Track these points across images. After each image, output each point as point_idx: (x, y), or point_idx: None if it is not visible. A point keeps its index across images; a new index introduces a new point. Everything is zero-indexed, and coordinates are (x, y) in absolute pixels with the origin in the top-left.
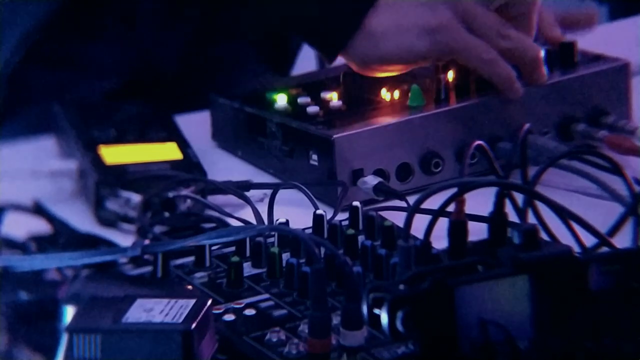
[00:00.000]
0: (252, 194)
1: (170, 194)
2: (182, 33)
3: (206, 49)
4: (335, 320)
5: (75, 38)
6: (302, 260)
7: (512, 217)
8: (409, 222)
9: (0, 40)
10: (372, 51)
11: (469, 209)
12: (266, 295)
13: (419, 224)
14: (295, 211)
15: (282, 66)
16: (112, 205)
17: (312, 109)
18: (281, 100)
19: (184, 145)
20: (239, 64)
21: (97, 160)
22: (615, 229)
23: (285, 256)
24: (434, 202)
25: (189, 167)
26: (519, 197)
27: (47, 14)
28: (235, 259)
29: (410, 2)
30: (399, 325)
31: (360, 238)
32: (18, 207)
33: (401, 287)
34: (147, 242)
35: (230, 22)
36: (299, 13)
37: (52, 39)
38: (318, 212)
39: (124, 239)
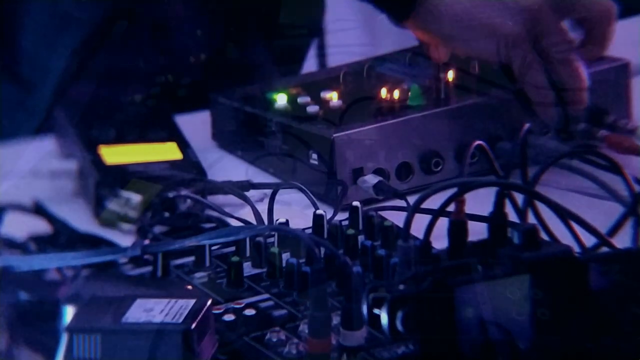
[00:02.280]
0: (252, 194)
1: (170, 194)
2: (210, 38)
3: (229, 56)
4: (335, 320)
5: (111, 51)
6: (302, 260)
7: (512, 217)
8: (409, 222)
9: (53, 58)
10: (432, 27)
11: (469, 209)
12: (266, 295)
13: (419, 224)
14: (295, 211)
15: (292, 66)
16: (112, 205)
17: (312, 109)
18: (281, 100)
19: (184, 145)
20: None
21: (97, 160)
22: (615, 229)
23: (285, 256)
24: (434, 202)
25: (189, 167)
26: (519, 197)
27: (91, 30)
28: (235, 259)
29: None
30: (399, 325)
31: (360, 238)
32: (18, 207)
33: (401, 287)
34: (147, 242)
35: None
36: None
37: (93, 53)
38: (318, 212)
39: (124, 239)
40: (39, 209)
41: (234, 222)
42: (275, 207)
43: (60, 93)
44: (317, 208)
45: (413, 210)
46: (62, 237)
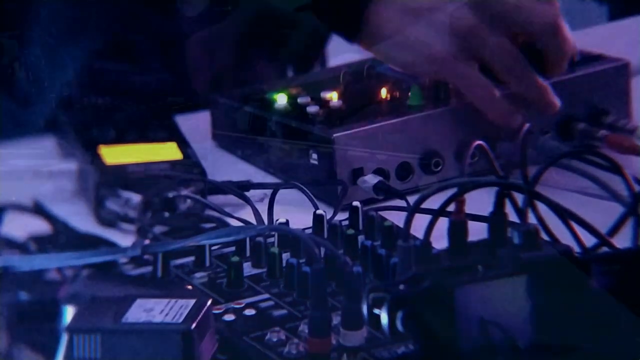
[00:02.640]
0: (252, 194)
1: (170, 194)
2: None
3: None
4: (335, 320)
5: (121, 65)
6: (302, 260)
7: (512, 217)
8: (409, 222)
9: (63, 71)
10: (375, 49)
11: (469, 209)
12: (266, 295)
13: (419, 224)
14: (295, 211)
15: (307, 64)
16: (112, 205)
17: (312, 109)
18: (281, 100)
19: (184, 145)
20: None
21: (97, 160)
22: (615, 229)
23: (285, 256)
24: (434, 202)
25: (189, 167)
26: (519, 197)
27: (102, 44)
28: (235, 259)
29: (416, 10)
30: (399, 325)
31: (360, 238)
32: (18, 207)
33: (401, 287)
34: (147, 242)
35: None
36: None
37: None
38: (318, 212)
39: (124, 239)
40: (39, 209)
41: (234, 222)
42: (275, 207)
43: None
44: (317, 208)
45: (413, 210)
46: (62, 237)
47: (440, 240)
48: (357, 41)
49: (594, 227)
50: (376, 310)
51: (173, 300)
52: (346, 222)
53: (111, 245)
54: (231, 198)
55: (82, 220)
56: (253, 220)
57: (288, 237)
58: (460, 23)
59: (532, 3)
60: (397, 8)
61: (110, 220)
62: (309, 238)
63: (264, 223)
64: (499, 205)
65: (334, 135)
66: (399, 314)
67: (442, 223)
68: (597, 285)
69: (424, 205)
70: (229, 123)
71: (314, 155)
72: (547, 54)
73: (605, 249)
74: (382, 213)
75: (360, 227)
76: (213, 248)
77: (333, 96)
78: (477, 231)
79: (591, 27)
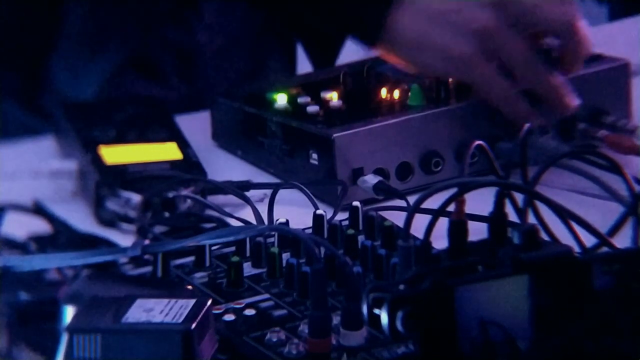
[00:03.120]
0: (252, 194)
1: (170, 194)
2: (237, 66)
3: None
4: (335, 320)
5: (139, 79)
6: (302, 260)
7: (512, 217)
8: (409, 222)
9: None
10: (396, 53)
11: (469, 209)
12: (266, 295)
13: (419, 224)
14: (295, 211)
15: (325, 60)
16: (112, 205)
17: (312, 109)
18: (281, 100)
19: (184, 145)
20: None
21: (97, 160)
22: (615, 229)
23: (285, 256)
24: (434, 202)
25: (189, 167)
26: (519, 197)
27: (122, 59)
28: (235, 259)
29: (437, 13)
30: (399, 325)
31: (360, 238)
32: (18, 207)
33: (401, 287)
34: (147, 242)
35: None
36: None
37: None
38: (318, 212)
39: (124, 239)
40: (39, 209)
41: (234, 222)
42: (275, 207)
43: None
44: (317, 208)
45: (413, 210)
46: (62, 237)
47: (440, 240)
48: (376, 46)
49: (594, 227)
50: (376, 310)
51: (173, 300)
52: (346, 222)
53: (111, 245)
54: (231, 198)
55: (82, 220)
56: (253, 220)
57: (288, 237)
58: (479, 24)
59: (550, 3)
60: (417, 12)
61: (110, 220)
62: (309, 238)
63: (264, 223)
64: (499, 205)
65: (334, 135)
66: (399, 314)
67: (442, 223)
68: (597, 286)
69: (424, 205)
70: (229, 123)
71: (314, 155)
72: (565, 53)
73: (605, 249)
74: (382, 213)
75: (360, 227)
76: (213, 248)
77: (333, 96)
78: (477, 231)
79: (591, 27)
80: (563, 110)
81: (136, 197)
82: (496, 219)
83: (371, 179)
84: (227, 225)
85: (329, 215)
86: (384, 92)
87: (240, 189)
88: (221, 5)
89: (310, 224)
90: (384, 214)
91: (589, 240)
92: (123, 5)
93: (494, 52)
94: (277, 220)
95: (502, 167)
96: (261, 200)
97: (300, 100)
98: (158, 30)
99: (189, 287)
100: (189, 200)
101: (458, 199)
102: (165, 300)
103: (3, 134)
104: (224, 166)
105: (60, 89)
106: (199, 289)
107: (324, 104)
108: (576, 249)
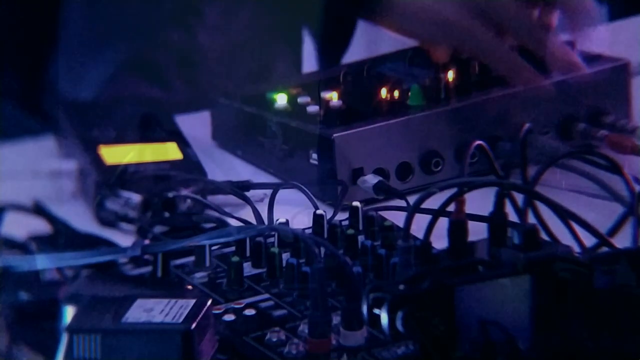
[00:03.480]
0: (252, 194)
1: (170, 194)
2: (240, 68)
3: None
4: (335, 320)
5: (139, 79)
6: (302, 260)
7: (512, 217)
8: (409, 222)
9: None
10: (393, 22)
11: (469, 209)
12: (266, 295)
13: (419, 224)
14: (295, 211)
15: (336, 54)
16: (112, 205)
17: (312, 109)
18: (281, 100)
19: (184, 145)
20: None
21: (97, 160)
22: (615, 229)
23: (285, 256)
24: (434, 202)
25: (189, 167)
26: (519, 197)
27: (123, 59)
28: (235, 259)
29: None
30: (399, 325)
31: (360, 238)
32: (18, 207)
33: (401, 287)
34: (147, 242)
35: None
36: None
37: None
38: (318, 212)
39: (124, 239)
40: (39, 209)
41: (234, 222)
42: (275, 207)
43: None
44: (317, 208)
45: (413, 210)
46: (62, 237)
47: (440, 240)
48: (372, 18)
49: (594, 227)
50: (376, 310)
51: (173, 300)
52: (346, 222)
53: (111, 245)
54: (231, 198)
55: (82, 220)
56: (253, 220)
57: (288, 237)
58: None
59: None
60: None
61: (110, 220)
62: (309, 238)
63: (264, 223)
64: (499, 205)
65: (334, 135)
66: (399, 314)
67: (442, 223)
68: (597, 285)
69: (424, 205)
70: (229, 123)
71: (314, 155)
72: (568, 11)
73: (605, 249)
74: (382, 213)
75: (360, 227)
76: (213, 248)
77: (333, 96)
78: (477, 231)
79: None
80: (571, 69)
81: (136, 197)
82: (496, 219)
83: (371, 179)
84: (227, 225)
85: (329, 215)
86: (384, 92)
87: (240, 189)
88: (224, 8)
89: (310, 224)
90: (384, 214)
91: (589, 240)
92: (123, 5)
93: (492, 17)
94: (277, 220)
95: (502, 167)
96: (261, 200)
97: (300, 100)
98: (159, 31)
99: (189, 287)
100: (189, 200)
101: (458, 199)
102: (165, 300)
103: (3, 134)
104: (224, 166)
105: (60, 89)
106: (199, 289)
107: (324, 104)
108: (576, 249)
